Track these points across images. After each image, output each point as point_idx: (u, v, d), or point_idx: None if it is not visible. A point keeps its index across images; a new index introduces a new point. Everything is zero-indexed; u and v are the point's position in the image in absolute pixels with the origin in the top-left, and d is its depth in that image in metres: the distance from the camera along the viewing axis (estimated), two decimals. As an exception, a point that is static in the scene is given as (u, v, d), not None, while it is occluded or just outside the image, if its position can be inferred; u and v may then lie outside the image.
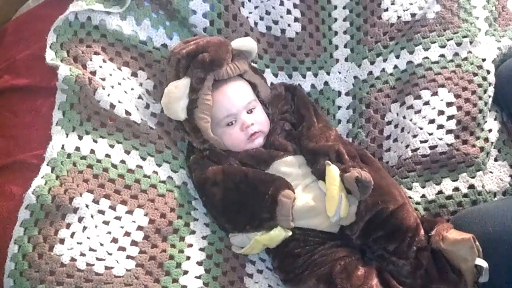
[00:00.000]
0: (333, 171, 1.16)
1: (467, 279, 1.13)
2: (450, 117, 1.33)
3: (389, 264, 1.17)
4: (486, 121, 1.34)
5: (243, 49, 1.33)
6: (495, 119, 1.36)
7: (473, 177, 1.28)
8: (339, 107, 1.48)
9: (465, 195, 1.27)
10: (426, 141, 1.32)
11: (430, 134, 1.33)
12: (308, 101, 1.37)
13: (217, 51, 1.26)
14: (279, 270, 1.20)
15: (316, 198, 1.19)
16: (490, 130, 1.34)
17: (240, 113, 1.28)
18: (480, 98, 1.34)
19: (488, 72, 1.36)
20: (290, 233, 1.17)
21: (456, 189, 1.28)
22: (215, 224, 1.24)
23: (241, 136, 1.27)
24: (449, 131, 1.32)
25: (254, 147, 1.28)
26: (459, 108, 1.33)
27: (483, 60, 1.38)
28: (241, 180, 1.21)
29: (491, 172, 1.31)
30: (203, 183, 1.23)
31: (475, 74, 1.36)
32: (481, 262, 1.11)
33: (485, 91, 1.35)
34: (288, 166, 1.25)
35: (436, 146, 1.31)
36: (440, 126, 1.33)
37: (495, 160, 1.33)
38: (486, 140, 1.32)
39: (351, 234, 1.19)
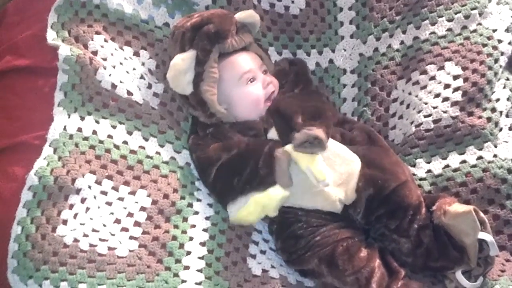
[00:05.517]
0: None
1: (470, 254, 1.12)
2: (456, 89, 1.31)
3: (391, 243, 1.17)
4: (494, 92, 1.32)
5: (246, 21, 1.32)
6: (504, 87, 1.33)
7: (481, 149, 1.27)
8: (344, 85, 1.47)
9: (474, 166, 1.25)
10: (429, 115, 1.31)
11: (434, 108, 1.31)
12: (306, 78, 1.36)
13: (222, 23, 1.26)
14: (282, 251, 1.20)
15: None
16: (497, 100, 1.31)
17: (258, 71, 1.29)
18: (490, 68, 1.31)
19: (500, 41, 1.34)
20: (288, 193, 1.16)
21: (464, 161, 1.27)
22: (218, 205, 1.23)
23: (261, 93, 1.27)
24: (454, 103, 1.29)
25: (267, 107, 1.28)
26: (466, 79, 1.31)
27: (494, 30, 1.35)
28: (241, 147, 1.21)
29: (505, 141, 1.28)
30: (205, 163, 1.23)
31: (485, 45, 1.33)
32: (485, 236, 1.09)
33: (496, 61, 1.32)
34: None
35: (440, 120, 1.30)
36: (446, 99, 1.31)
37: (510, 129, 1.30)
38: (494, 110, 1.30)
39: (354, 214, 1.19)
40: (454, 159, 1.28)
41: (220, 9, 1.35)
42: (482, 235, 1.09)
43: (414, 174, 1.28)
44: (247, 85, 1.28)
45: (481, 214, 1.12)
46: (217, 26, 1.25)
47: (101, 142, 1.19)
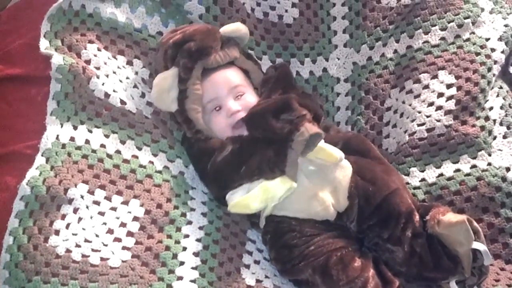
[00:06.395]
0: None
1: (464, 264, 1.11)
2: (449, 98, 1.31)
3: (385, 252, 1.17)
4: (487, 100, 1.32)
5: (233, 35, 1.31)
6: (497, 96, 1.34)
7: (475, 158, 1.27)
8: (338, 94, 1.47)
9: (468, 174, 1.25)
10: (423, 124, 1.31)
11: (427, 117, 1.31)
12: (285, 82, 1.33)
13: (204, 40, 1.25)
14: (276, 261, 1.18)
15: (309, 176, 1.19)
16: (491, 108, 1.32)
17: (225, 99, 1.26)
18: (483, 77, 1.31)
19: (493, 50, 1.34)
20: (296, 185, 1.15)
21: (458, 170, 1.27)
22: (212, 214, 1.22)
23: (225, 123, 1.25)
24: (447, 112, 1.30)
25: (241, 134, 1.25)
26: (459, 88, 1.31)
27: (487, 39, 1.36)
28: (247, 139, 1.21)
29: (500, 150, 1.28)
30: (208, 152, 1.22)
31: (478, 54, 1.34)
32: (478, 246, 1.09)
33: (489, 69, 1.32)
34: None
35: (433, 128, 1.30)
36: (439, 108, 1.31)
37: (504, 137, 1.30)
38: (487, 118, 1.30)
39: (347, 222, 1.19)
40: (448, 168, 1.28)
41: (204, 24, 1.34)
42: (475, 245, 1.09)
43: (407, 183, 1.28)
44: (211, 113, 1.26)
45: (475, 224, 1.11)
46: (198, 43, 1.24)
47: (93, 151, 1.18)
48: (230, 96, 1.26)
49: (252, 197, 1.15)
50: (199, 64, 1.24)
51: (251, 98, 1.28)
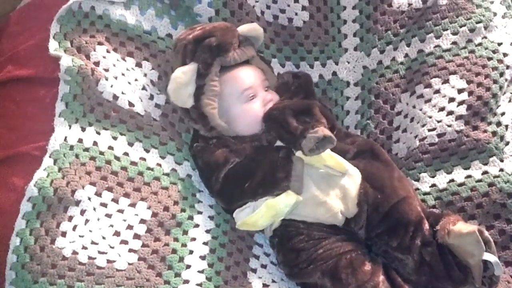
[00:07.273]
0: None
1: (475, 275, 1.09)
2: (460, 103, 1.30)
3: (394, 261, 1.15)
4: (499, 105, 1.30)
5: (249, 35, 1.31)
6: (509, 101, 1.32)
7: (486, 164, 1.25)
8: (347, 98, 1.46)
9: (479, 180, 1.24)
10: (434, 129, 1.30)
11: (438, 122, 1.30)
12: (308, 90, 1.34)
13: (224, 36, 1.25)
14: (283, 265, 1.18)
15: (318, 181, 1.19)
16: (503, 113, 1.30)
17: (259, 88, 1.27)
18: (495, 82, 1.30)
19: (505, 54, 1.33)
20: (301, 199, 1.15)
21: (469, 176, 1.25)
22: (219, 217, 1.22)
23: (260, 111, 1.25)
24: (459, 117, 1.28)
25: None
26: (471, 93, 1.30)
27: (499, 44, 1.34)
28: (251, 152, 1.20)
29: None
30: (213, 166, 1.21)
31: (490, 58, 1.32)
32: (489, 257, 1.07)
33: (501, 74, 1.31)
34: None
35: (444, 134, 1.28)
36: (450, 113, 1.30)
37: None
38: (499, 124, 1.28)
39: (356, 228, 1.18)
40: (459, 174, 1.26)
41: (223, 22, 1.34)
42: (486, 256, 1.07)
43: (417, 189, 1.27)
44: (247, 102, 1.26)
45: (486, 234, 1.09)
46: (219, 39, 1.24)
47: (101, 153, 1.18)
48: (262, 87, 1.28)
49: (259, 215, 1.15)
50: (218, 60, 1.24)
51: (274, 94, 1.30)
